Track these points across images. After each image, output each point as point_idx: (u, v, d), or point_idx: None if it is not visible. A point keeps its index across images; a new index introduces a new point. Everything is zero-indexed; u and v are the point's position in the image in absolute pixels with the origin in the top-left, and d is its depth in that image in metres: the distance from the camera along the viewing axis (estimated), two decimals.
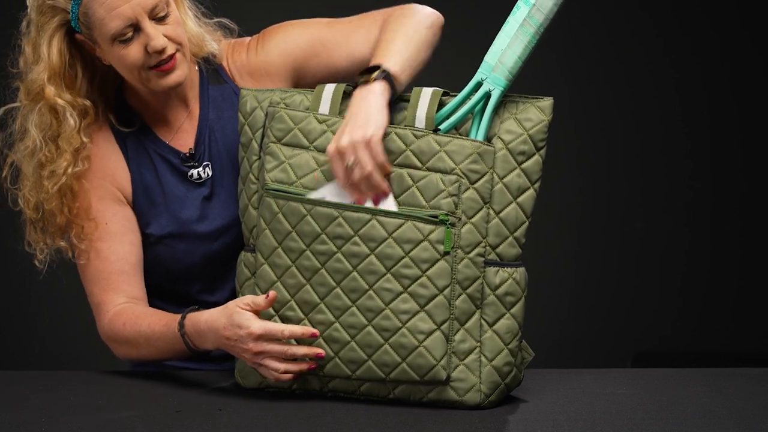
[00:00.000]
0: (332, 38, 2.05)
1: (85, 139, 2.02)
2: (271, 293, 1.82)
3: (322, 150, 1.85)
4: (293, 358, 1.82)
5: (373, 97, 1.83)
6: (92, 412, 1.80)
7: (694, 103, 4.39)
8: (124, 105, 2.09)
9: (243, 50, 2.12)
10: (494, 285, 1.80)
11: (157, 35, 1.95)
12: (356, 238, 1.80)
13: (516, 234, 1.82)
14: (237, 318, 1.83)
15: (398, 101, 1.86)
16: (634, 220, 4.41)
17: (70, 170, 2.01)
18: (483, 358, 1.80)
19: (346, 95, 1.87)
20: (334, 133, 1.84)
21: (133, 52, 1.96)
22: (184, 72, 2.00)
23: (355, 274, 1.80)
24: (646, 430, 1.68)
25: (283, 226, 1.84)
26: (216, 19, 2.13)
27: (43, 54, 1.99)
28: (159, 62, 1.97)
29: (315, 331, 1.82)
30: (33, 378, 2.06)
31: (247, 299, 1.83)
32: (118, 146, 2.07)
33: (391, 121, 1.84)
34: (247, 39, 2.14)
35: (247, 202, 1.92)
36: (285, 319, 1.84)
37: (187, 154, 2.08)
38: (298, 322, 1.83)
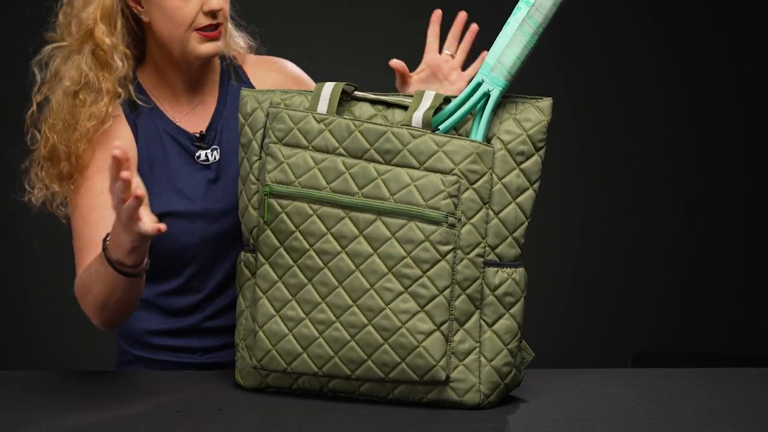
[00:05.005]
0: None
1: (120, 89, 2.07)
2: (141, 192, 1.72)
3: (320, 149, 1.85)
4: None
5: None
6: (92, 412, 1.80)
7: (694, 103, 4.39)
8: (137, 86, 2.13)
9: (277, 69, 2.20)
10: (493, 285, 1.80)
11: None
12: (360, 238, 1.80)
13: (515, 234, 1.82)
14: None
15: (397, 106, 1.85)
16: (634, 220, 4.41)
17: (110, 110, 2.04)
18: (482, 359, 1.80)
19: (345, 94, 1.87)
20: (331, 132, 1.84)
21: (190, 6, 2.02)
22: (221, 46, 2.07)
23: (357, 273, 1.80)
24: (646, 430, 1.68)
25: (287, 226, 1.84)
26: (240, 33, 2.20)
27: None
28: (207, 26, 2.03)
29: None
30: (33, 378, 2.06)
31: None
32: (127, 123, 2.10)
33: (389, 122, 1.84)
34: (280, 61, 2.22)
35: (247, 203, 1.92)
36: (286, 319, 1.84)
37: (198, 135, 2.12)
38: (299, 321, 1.83)
